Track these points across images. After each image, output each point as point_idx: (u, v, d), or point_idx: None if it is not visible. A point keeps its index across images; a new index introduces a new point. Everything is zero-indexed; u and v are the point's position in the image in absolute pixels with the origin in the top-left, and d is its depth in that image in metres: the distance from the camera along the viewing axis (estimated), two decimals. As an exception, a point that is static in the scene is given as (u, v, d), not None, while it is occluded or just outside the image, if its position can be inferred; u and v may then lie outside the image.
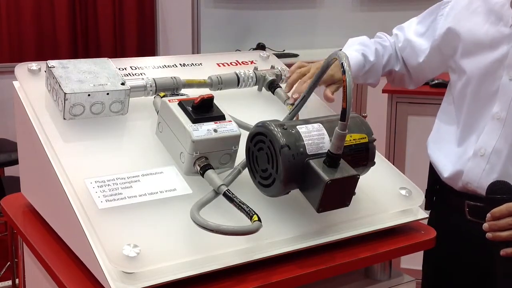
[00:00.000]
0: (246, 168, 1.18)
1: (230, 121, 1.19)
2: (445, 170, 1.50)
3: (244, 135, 1.18)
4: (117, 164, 1.17)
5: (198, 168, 1.14)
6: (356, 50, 1.56)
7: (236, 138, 1.18)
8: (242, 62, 1.56)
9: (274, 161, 1.10)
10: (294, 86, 1.41)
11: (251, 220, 1.05)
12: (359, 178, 1.11)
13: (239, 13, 4.90)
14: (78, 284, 1.06)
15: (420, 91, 2.98)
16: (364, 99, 4.49)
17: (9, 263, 3.10)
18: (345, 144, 1.09)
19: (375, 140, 1.20)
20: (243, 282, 1.05)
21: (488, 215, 1.25)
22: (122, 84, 1.25)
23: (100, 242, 1.01)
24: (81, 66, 1.26)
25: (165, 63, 1.47)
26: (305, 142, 1.11)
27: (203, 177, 1.14)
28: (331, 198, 1.09)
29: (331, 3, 5.17)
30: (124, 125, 1.27)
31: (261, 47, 4.69)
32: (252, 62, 1.57)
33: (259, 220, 1.04)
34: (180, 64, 1.48)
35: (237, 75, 1.43)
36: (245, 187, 1.16)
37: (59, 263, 1.13)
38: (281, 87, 1.45)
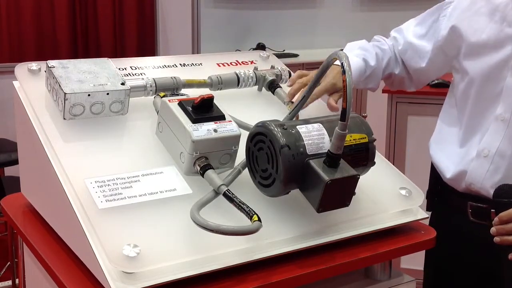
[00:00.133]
0: (246, 168, 1.18)
1: (230, 121, 1.19)
2: (448, 171, 1.50)
3: (244, 135, 1.18)
4: (117, 164, 1.17)
5: (198, 168, 1.14)
6: (356, 55, 1.54)
7: (236, 138, 1.18)
8: (242, 62, 1.56)
9: (274, 161, 1.10)
10: (296, 96, 1.39)
11: (251, 220, 1.05)
12: (359, 178, 1.11)
13: (239, 13, 4.90)
14: (78, 284, 1.06)
15: (420, 91, 2.96)
16: (364, 99, 4.50)
17: (9, 263, 3.10)
18: (345, 144, 1.09)
19: (375, 140, 1.20)
20: (243, 282, 1.05)
21: (496, 219, 1.25)
22: (122, 84, 1.25)
23: (100, 242, 1.01)
24: (81, 66, 1.26)
25: (165, 63, 1.47)
26: (305, 142, 1.11)
27: (203, 177, 1.14)
28: (331, 198, 1.09)
29: (331, 3, 5.18)
30: (124, 125, 1.27)
31: (261, 47, 4.69)
32: (252, 62, 1.57)
33: (259, 220, 1.04)
34: (180, 64, 1.48)
35: (237, 75, 1.43)
36: (245, 187, 1.16)
37: (59, 263, 1.13)
38: (281, 87, 1.45)
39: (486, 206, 1.42)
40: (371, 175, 1.24)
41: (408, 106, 3.04)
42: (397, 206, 1.27)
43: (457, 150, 1.49)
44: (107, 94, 1.22)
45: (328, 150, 1.09)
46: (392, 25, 1.71)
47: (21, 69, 1.32)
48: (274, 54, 1.67)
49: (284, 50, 4.79)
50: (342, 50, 1.53)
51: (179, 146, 1.16)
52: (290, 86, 1.43)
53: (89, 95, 1.20)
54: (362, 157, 1.18)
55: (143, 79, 1.33)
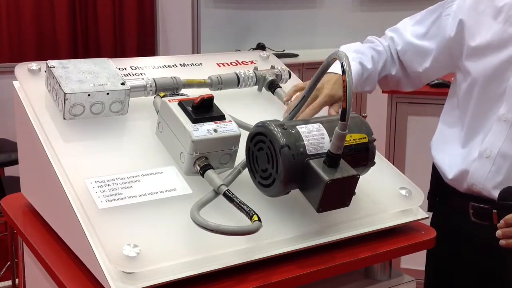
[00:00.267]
0: (246, 168, 1.18)
1: (230, 121, 1.19)
2: (450, 171, 1.49)
3: (244, 135, 1.18)
4: (117, 164, 1.17)
5: (198, 168, 1.14)
6: (352, 58, 1.51)
7: (236, 138, 1.18)
8: (242, 62, 1.56)
9: (274, 161, 1.10)
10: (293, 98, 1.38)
11: (251, 220, 1.05)
12: (359, 178, 1.11)
13: (239, 13, 4.90)
14: (78, 284, 1.06)
15: (420, 91, 2.98)
16: (364, 99, 4.50)
17: (9, 263, 3.10)
18: (345, 144, 1.09)
19: (375, 140, 1.20)
20: (243, 282, 1.05)
21: (502, 221, 1.24)
22: (122, 84, 1.25)
23: (100, 242, 1.01)
24: (81, 66, 1.26)
25: (165, 63, 1.47)
26: (305, 142, 1.11)
27: (203, 177, 1.14)
28: (331, 198, 1.09)
29: (331, 3, 5.18)
30: (124, 125, 1.27)
31: (261, 47, 4.70)
32: (252, 62, 1.57)
33: (259, 220, 1.04)
34: (180, 64, 1.48)
35: (237, 75, 1.43)
36: (245, 187, 1.16)
37: (59, 263, 1.13)
38: (281, 87, 1.45)
39: (487, 207, 1.42)
40: (371, 175, 1.24)
41: (408, 106, 3.04)
42: (397, 206, 1.27)
43: (459, 150, 1.48)
44: (107, 94, 1.22)
45: (328, 150, 1.09)
46: (392, 25, 1.69)
47: (21, 69, 1.32)
48: (274, 54, 1.67)
49: (284, 50, 4.79)
50: (340, 50, 1.53)
51: (179, 146, 1.16)
52: (286, 101, 1.40)
53: (89, 95, 1.20)
54: (362, 157, 1.18)
55: (143, 79, 1.33)
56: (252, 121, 1.19)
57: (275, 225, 1.13)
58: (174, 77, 1.34)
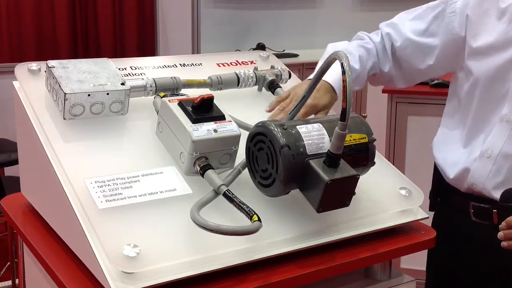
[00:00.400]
0: (246, 168, 1.18)
1: (230, 121, 1.19)
2: (451, 171, 1.49)
3: (244, 135, 1.18)
4: (117, 164, 1.17)
5: (198, 168, 1.14)
6: None
7: (236, 138, 1.18)
8: (242, 62, 1.56)
9: (274, 161, 1.10)
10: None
11: (251, 220, 1.05)
12: (359, 178, 1.11)
13: (239, 13, 4.90)
14: (78, 284, 1.06)
15: (420, 91, 2.99)
16: (364, 99, 4.50)
17: (9, 263, 3.10)
18: (345, 144, 1.09)
19: (375, 140, 1.20)
20: (243, 282, 1.05)
21: (503, 223, 1.24)
22: (122, 84, 1.25)
23: (100, 242, 1.01)
24: (81, 66, 1.26)
25: (165, 63, 1.47)
26: (305, 142, 1.11)
27: (203, 177, 1.14)
28: (331, 198, 1.09)
29: (331, 3, 5.18)
30: (124, 125, 1.27)
31: (261, 47, 4.69)
32: (252, 62, 1.57)
33: (259, 220, 1.04)
34: (180, 64, 1.48)
35: (237, 75, 1.43)
36: (245, 187, 1.16)
37: (59, 263, 1.13)
38: (281, 87, 1.45)
39: (488, 207, 1.42)
40: (371, 175, 1.24)
41: (408, 106, 3.04)
42: (397, 206, 1.27)
43: (460, 150, 1.48)
44: (107, 94, 1.22)
45: (328, 150, 1.09)
46: (392, 25, 1.68)
47: (21, 69, 1.32)
48: (274, 54, 1.67)
49: (284, 50, 4.78)
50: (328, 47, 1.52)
51: (179, 146, 1.16)
52: (268, 111, 1.38)
53: (89, 95, 1.20)
54: (362, 157, 1.18)
55: (143, 79, 1.33)
56: (252, 121, 1.19)
57: (275, 225, 1.13)
58: (174, 77, 1.34)
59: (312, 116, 1.33)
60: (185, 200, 1.11)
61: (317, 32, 5.13)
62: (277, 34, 4.95)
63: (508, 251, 1.24)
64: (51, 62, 1.25)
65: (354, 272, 1.27)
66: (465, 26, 1.45)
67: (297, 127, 1.13)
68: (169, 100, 1.20)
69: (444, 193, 1.56)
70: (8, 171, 3.32)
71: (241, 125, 1.24)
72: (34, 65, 1.32)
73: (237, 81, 1.43)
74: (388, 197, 1.27)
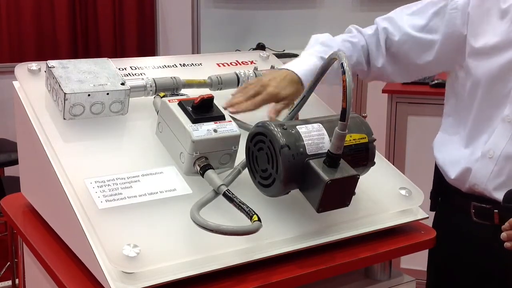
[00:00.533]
0: (246, 168, 1.18)
1: (230, 121, 1.19)
2: (452, 171, 1.48)
3: (244, 135, 1.18)
4: (117, 164, 1.17)
5: (198, 168, 1.14)
6: (315, 52, 1.44)
7: (236, 138, 1.18)
8: (242, 62, 1.56)
9: (274, 161, 1.10)
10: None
11: (251, 220, 1.05)
12: (359, 178, 1.11)
13: (239, 13, 4.90)
14: (78, 284, 1.06)
15: (420, 91, 2.99)
16: (364, 99, 4.50)
17: (9, 263, 3.10)
18: (345, 144, 1.09)
19: (375, 140, 1.20)
20: (243, 282, 1.05)
21: (506, 224, 1.24)
22: (122, 84, 1.25)
23: (100, 242, 1.01)
24: (81, 66, 1.26)
25: (165, 63, 1.47)
26: (305, 142, 1.11)
27: (203, 177, 1.14)
28: (331, 198, 1.09)
29: (331, 3, 5.18)
30: (124, 125, 1.27)
31: (261, 47, 4.69)
32: (252, 62, 1.57)
33: (259, 220, 1.04)
34: (180, 64, 1.48)
35: (237, 75, 1.43)
36: (245, 187, 1.16)
37: (59, 263, 1.13)
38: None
39: (489, 207, 1.42)
40: (371, 175, 1.24)
41: (408, 106, 3.04)
42: (397, 206, 1.27)
43: (461, 150, 1.47)
44: (107, 94, 1.22)
45: (328, 150, 1.09)
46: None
47: (21, 69, 1.32)
48: (274, 54, 1.67)
49: (284, 50, 4.78)
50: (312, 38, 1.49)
51: (179, 146, 1.16)
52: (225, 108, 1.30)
53: (89, 95, 1.20)
54: (362, 157, 1.18)
55: (143, 79, 1.33)
56: (252, 121, 1.19)
57: (275, 225, 1.13)
58: (174, 77, 1.34)
59: (272, 105, 1.31)
60: (185, 200, 1.11)
61: (317, 32, 5.11)
62: (277, 34, 4.95)
63: (510, 252, 1.24)
64: (51, 62, 1.25)
65: (354, 272, 1.27)
66: (467, 24, 1.44)
67: (297, 127, 1.13)
68: (169, 100, 1.20)
69: (445, 193, 1.56)
70: (8, 171, 3.32)
71: (241, 125, 1.24)
72: (34, 65, 1.32)
73: (237, 81, 1.43)
74: (388, 197, 1.27)
